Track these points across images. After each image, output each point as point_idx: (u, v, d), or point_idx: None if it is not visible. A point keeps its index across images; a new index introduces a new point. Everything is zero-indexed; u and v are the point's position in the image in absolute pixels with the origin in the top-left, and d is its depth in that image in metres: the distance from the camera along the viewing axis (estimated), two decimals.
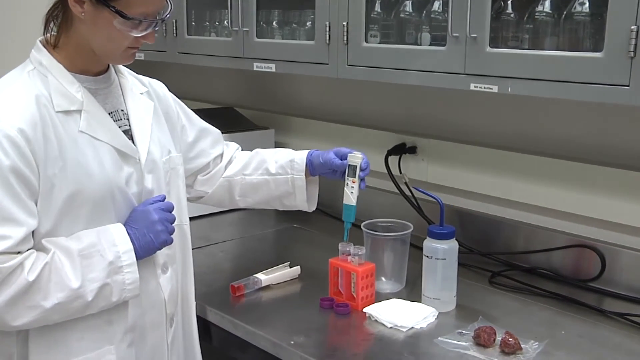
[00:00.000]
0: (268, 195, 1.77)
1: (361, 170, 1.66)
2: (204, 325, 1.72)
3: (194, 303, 1.67)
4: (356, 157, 1.67)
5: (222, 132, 2.44)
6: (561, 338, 1.54)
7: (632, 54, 1.34)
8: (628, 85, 1.36)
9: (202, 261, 2.00)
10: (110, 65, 1.48)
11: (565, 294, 1.75)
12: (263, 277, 1.80)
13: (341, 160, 1.70)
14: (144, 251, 1.40)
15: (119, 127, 1.44)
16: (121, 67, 1.53)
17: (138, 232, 1.39)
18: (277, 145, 2.62)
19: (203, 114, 2.55)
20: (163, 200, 1.48)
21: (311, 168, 1.73)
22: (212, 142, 1.77)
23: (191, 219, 2.42)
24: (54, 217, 1.32)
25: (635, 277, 1.75)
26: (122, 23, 1.32)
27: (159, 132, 1.54)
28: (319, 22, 1.94)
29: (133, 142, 1.45)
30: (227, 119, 2.59)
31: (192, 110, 2.67)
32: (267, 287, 1.81)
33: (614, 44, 1.37)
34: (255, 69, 2.18)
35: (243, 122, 2.62)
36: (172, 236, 1.46)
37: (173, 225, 1.46)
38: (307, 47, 2.01)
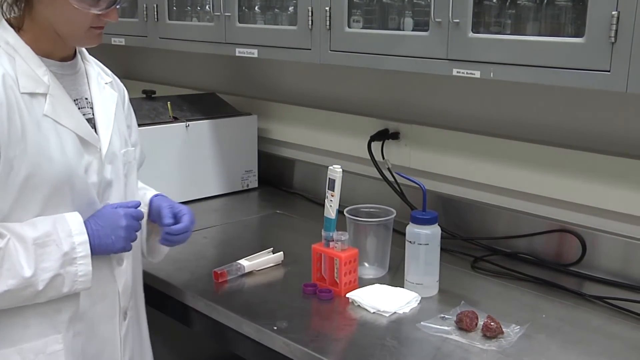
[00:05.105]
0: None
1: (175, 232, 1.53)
2: (186, 311, 1.72)
3: (143, 295, 1.64)
4: (335, 171, 1.65)
5: (205, 119, 2.45)
6: (542, 321, 1.55)
7: (612, 39, 1.35)
8: (609, 71, 1.37)
9: (184, 248, 1.99)
10: (77, 51, 1.45)
11: (546, 278, 1.77)
12: (246, 263, 1.80)
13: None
14: (99, 250, 1.38)
15: (83, 115, 1.41)
16: (87, 55, 1.50)
17: (101, 230, 1.37)
18: (260, 131, 2.61)
19: (185, 99, 2.56)
20: (136, 206, 1.45)
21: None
22: (140, 155, 1.66)
23: None
24: (10, 201, 1.29)
25: (614, 261, 1.77)
26: (79, 0, 1.29)
27: (120, 124, 1.52)
28: (302, 7, 1.93)
29: (95, 131, 1.43)
30: (209, 105, 2.57)
31: (174, 96, 2.67)
32: (250, 273, 1.81)
33: (595, 29, 1.37)
34: (237, 54, 2.16)
35: (225, 108, 2.60)
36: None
37: (136, 233, 1.44)
38: (289, 33, 2.00)
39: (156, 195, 1.62)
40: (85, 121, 1.41)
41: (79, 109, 1.41)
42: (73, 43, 1.41)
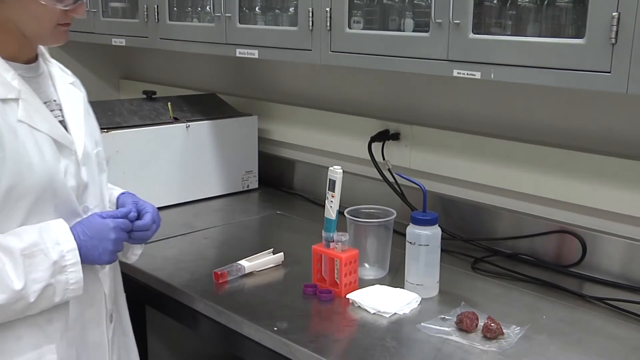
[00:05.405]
0: None
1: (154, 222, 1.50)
2: (186, 312, 1.72)
3: (124, 296, 1.62)
4: (336, 172, 1.66)
5: (205, 119, 2.46)
6: (542, 322, 1.55)
7: (613, 40, 1.35)
8: (609, 72, 1.37)
9: (185, 248, 2.00)
10: (39, 53, 1.42)
11: (546, 279, 1.77)
12: (246, 264, 1.80)
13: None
14: (85, 261, 1.34)
15: (54, 117, 1.38)
16: (48, 56, 1.47)
17: (89, 242, 1.33)
18: (260, 131, 2.62)
19: (185, 100, 2.56)
20: (125, 215, 1.42)
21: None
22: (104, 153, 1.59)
23: (175, 205, 2.43)
24: None
25: (614, 262, 1.77)
26: None
27: (88, 124, 1.48)
28: (302, 8, 1.93)
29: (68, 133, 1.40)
30: (209, 105, 2.57)
31: (175, 96, 2.67)
32: (251, 273, 1.81)
33: (595, 30, 1.37)
34: (237, 55, 2.16)
35: (226, 109, 2.60)
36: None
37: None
38: (290, 33, 2.00)
39: (123, 193, 1.57)
40: (59, 124, 1.38)
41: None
42: (39, 42, 1.38)
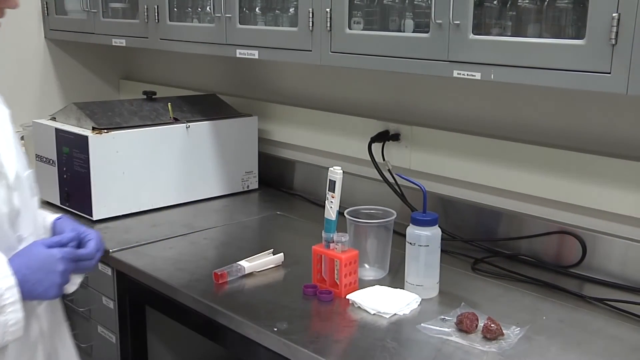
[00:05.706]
0: None
1: (98, 250, 1.37)
2: (186, 312, 1.72)
3: (66, 324, 1.49)
4: (336, 172, 1.66)
5: (205, 120, 2.46)
6: (542, 323, 1.55)
7: (613, 41, 1.35)
8: (609, 73, 1.37)
9: (185, 248, 2.00)
10: None
11: (546, 280, 1.77)
12: (246, 265, 1.80)
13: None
14: (28, 297, 1.20)
15: None
16: None
17: (31, 276, 1.18)
18: (260, 132, 2.62)
19: (185, 101, 2.56)
20: (70, 241, 1.29)
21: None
22: None
23: (175, 205, 2.43)
24: None
25: (614, 263, 1.77)
26: None
27: (17, 144, 1.34)
28: (302, 9, 1.93)
29: None
30: (209, 105, 2.58)
31: (175, 97, 2.67)
32: (251, 274, 1.81)
33: (595, 31, 1.37)
34: (238, 55, 2.16)
35: (226, 109, 2.60)
36: None
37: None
38: (290, 34, 2.00)
39: (59, 219, 1.43)
40: None
41: None
42: None
